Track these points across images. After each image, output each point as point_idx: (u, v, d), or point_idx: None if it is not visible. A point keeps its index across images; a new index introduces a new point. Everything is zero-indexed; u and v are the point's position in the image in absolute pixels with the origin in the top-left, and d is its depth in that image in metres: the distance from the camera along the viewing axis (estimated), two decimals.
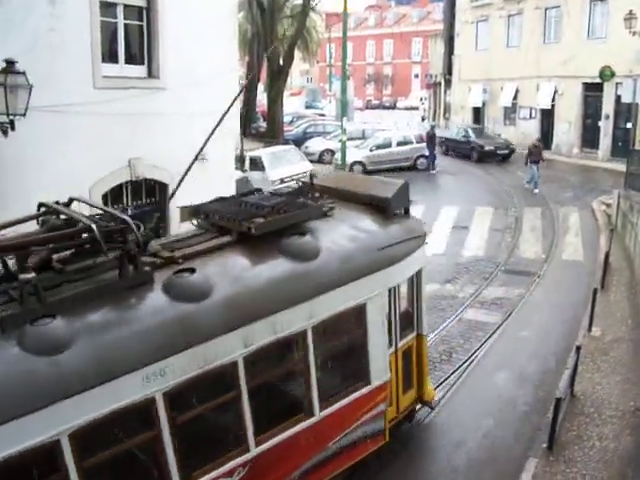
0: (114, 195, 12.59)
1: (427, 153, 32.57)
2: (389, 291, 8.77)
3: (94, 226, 6.41)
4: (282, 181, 25.42)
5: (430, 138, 32.66)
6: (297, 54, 50.49)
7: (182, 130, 13.03)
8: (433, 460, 9.66)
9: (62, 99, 10.91)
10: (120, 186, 12.69)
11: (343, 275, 7.88)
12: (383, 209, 9.04)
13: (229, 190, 14.76)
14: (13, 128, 10.00)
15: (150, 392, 6.14)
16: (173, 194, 9.11)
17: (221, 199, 8.87)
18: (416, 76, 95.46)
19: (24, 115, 9.95)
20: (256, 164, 26.56)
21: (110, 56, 12.30)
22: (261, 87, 53.88)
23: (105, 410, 5.87)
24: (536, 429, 10.07)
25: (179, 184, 9.97)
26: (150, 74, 12.95)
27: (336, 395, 8.10)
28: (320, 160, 34.77)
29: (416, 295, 9.70)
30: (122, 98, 11.89)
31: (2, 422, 5.29)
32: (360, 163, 31.78)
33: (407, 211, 9.50)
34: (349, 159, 30.31)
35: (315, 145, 36.95)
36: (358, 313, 8.23)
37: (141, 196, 13.24)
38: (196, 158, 9.62)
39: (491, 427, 10.29)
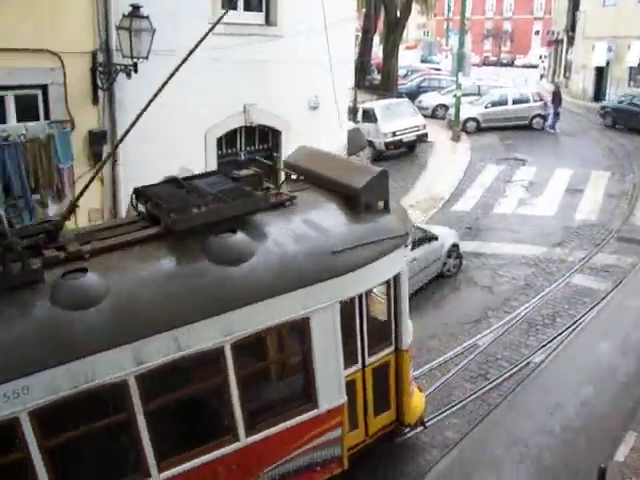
0: (228, 139, 12.91)
1: (543, 112, 31.67)
2: (351, 301, 7.52)
3: None
4: (394, 134, 25.38)
5: (554, 96, 31.79)
6: (415, 7, 49.51)
7: (296, 78, 13.17)
8: (531, 419, 9.57)
9: (181, 44, 11.18)
10: (234, 131, 12.98)
11: (278, 283, 6.67)
12: (353, 201, 7.70)
13: (340, 140, 14.93)
14: (136, 71, 10.43)
15: (12, 411, 5.39)
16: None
17: (173, 181, 7.62)
18: (537, 33, 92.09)
19: (147, 58, 10.30)
20: (369, 116, 26.51)
21: (229, 2, 12.48)
22: (377, 39, 53.33)
23: None
24: (637, 402, 9.83)
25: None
26: (267, 21, 13.08)
27: (271, 419, 7.09)
28: (433, 115, 34.30)
29: (394, 304, 8.20)
30: (239, 44, 12.08)
31: None
32: (474, 120, 31.17)
33: (387, 205, 7.97)
34: (463, 115, 29.83)
35: (429, 99, 36.43)
36: (299, 328, 7.09)
37: (254, 141, 13.51)
38: (109, 156, 8.37)
39: (591, 395, 10.11)
